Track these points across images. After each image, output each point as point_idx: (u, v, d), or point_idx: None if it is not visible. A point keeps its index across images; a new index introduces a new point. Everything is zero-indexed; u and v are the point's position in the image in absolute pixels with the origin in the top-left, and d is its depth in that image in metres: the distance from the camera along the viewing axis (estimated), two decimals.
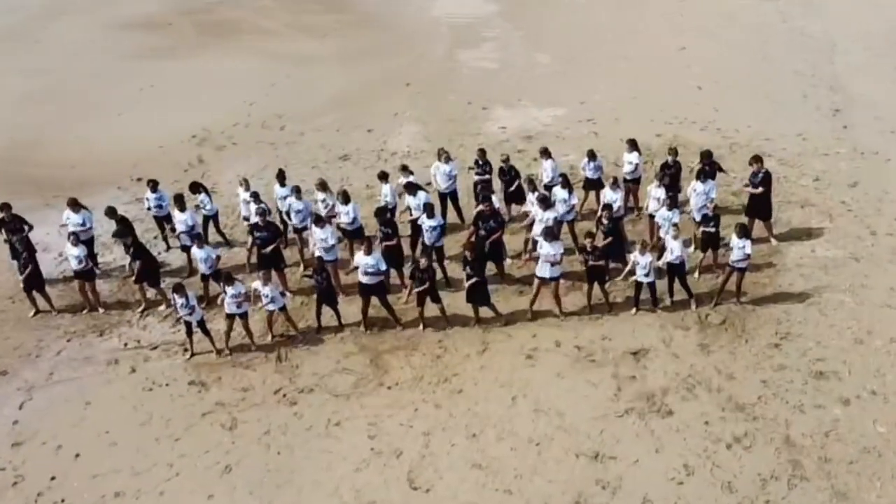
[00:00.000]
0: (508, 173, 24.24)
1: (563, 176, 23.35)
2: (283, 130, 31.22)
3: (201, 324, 20.57)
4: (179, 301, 20.04)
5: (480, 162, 24.49)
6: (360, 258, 20.73)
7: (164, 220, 24.05)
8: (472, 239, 22.27)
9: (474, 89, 33.71)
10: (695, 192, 22.77)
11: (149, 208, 24.02)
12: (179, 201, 22.88)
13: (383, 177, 23.56)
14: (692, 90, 32.78)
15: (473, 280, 20.70)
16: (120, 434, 18.87)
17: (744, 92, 32.47)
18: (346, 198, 22.77)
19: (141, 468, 18.02)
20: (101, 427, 19.05)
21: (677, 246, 20.87)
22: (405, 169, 23.86)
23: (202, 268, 21.76)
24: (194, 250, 21.84)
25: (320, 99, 33.42)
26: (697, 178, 22.88)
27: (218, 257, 22.08)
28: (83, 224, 22.91)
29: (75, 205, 22.93)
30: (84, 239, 22.58)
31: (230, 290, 20.22)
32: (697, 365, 19.85)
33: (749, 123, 30.02)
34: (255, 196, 22.95)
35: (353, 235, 22.99)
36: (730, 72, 34.04)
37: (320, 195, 23.35)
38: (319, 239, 21.70)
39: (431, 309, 21.23)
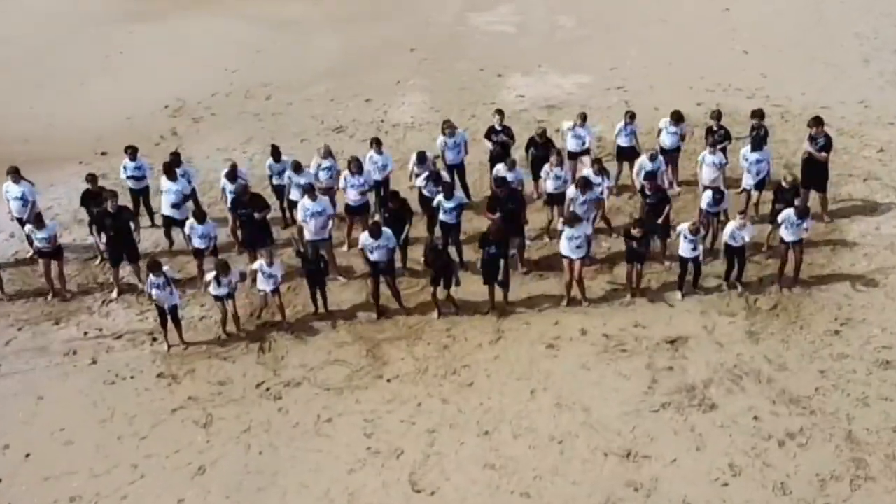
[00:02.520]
0: (543, 147, 23.86)
1: (598, 160, 23.22)
2: (269, 100, 31.08)
3: (174, 310, 20.26)
4: (155, 281, 19.67)
5: (498, 127, 24.21)
6: (366, 238, 20.50)
7: (141, 194, 23.85)
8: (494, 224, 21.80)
9: (488, 55, 33.56)
10: (745, 160, 22.83)
11: (138, 177, 23.73)
12: (170, 170, 22.55)
13: (377, 143, 23.45)
14: (737, 55, 32.64)
15: (493, 257, 20.47)
16: (77, 432, 18.53)
17: (796, 57, 32.31)
18: (358, 166, 22.56)
19: (100, 470, 17.68)
20: (56, 424, 18.72)
21: (740, 225, 20.71)
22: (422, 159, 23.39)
23: (199, 243, 21.53)
24: (194, 225, 21.41)
25: (312, 67, 33.25)
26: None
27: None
28: (22, 197, 22.48)
29: (16, 173, 22.49)
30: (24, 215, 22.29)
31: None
32: (745, 354, 19.59)
33: (803, 91, 29.86)
34: (232, 173, 22.79)
35: (357, 212, 22.85)
36: (780, 35, 33.88)
37: (326, 162, 23.18)
38: (316, 212, 21.48)
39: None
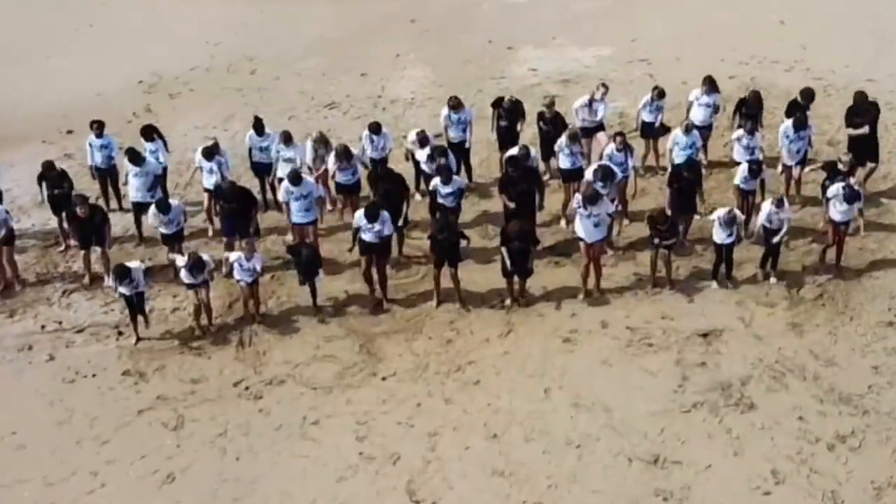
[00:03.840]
0: (552, 123, 23.34)
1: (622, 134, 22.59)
2: (254, 75, 30.80)
3: (140, 297, 19.89)
4: (124, 281, 19.36)
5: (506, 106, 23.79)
6: (361, 219, 20.21)
7: (108, 174, 23.45)
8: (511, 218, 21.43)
9: (497, 27, 33.30)
10: (787, 137, 22.49)
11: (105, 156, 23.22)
12: (135, 156, 22.18)
13: (375, 128, 22.94)
14: (773, 25, 32.31)
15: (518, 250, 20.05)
16: (31, 435, 18.12)
17: (839, 27, 32.06)
18: (347, 155, 22.13)
19: (56, 477, 17.24)
20: (7, 427, 18.26)
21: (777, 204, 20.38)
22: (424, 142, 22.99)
23: (166, 228, 21.17)
24: (157, 213, 21.02)
25: (302, 39, 32.98)
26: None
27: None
28: None
29: None
30: None
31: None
32: (787, 348, 19.29)
33: (847, 63, 29.57)
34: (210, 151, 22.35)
35: (349, 191, 22.55)
36: (821, 3, 33.56)
37: (321, 149, 22.78)
38: (301, 196, 21.15)
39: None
